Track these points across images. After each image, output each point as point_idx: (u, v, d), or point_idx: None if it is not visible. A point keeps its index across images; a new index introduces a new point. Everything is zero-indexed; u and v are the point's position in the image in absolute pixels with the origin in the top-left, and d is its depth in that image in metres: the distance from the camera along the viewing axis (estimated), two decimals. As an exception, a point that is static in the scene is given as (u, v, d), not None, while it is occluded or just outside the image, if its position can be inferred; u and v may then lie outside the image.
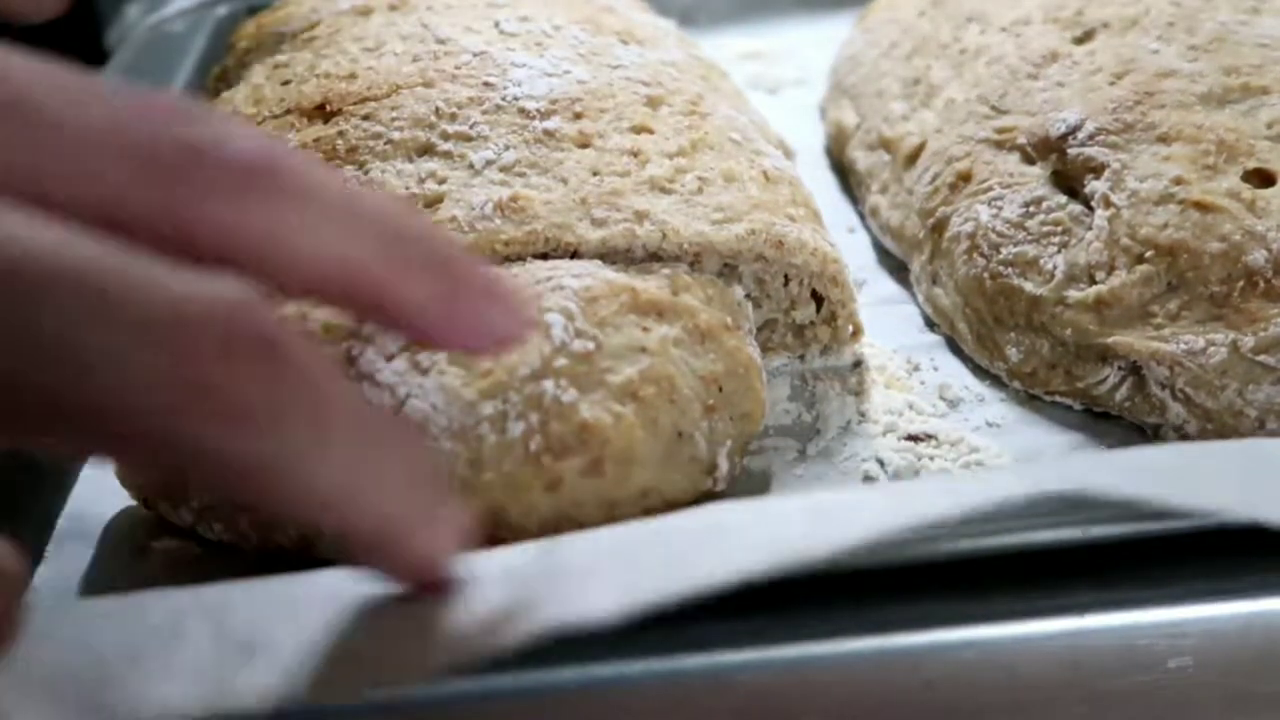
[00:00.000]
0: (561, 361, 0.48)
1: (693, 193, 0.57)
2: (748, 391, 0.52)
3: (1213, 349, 0.53)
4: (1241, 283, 0.54)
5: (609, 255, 0.55)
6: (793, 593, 0.44)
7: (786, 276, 0.58)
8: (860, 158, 0.71)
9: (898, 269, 0.66)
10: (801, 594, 0.44)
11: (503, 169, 0.57)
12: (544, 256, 0.55)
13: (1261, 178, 0.56)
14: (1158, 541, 0.45)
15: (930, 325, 0.63)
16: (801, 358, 0.60)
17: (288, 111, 0.62)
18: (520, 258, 0.54)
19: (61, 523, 0.52)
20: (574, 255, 0.55)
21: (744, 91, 0.72)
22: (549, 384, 0.48)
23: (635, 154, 0.58)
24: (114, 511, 0.53)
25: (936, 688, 0.44)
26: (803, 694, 0.43)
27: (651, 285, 0.52)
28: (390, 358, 0.49)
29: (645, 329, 0.50)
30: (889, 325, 0.62)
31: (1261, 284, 0.53)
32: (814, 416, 0.57)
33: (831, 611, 0.44)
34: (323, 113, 0.61)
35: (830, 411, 0.57)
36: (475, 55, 0.63)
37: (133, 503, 0.52)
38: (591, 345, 0.49)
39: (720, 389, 0.51)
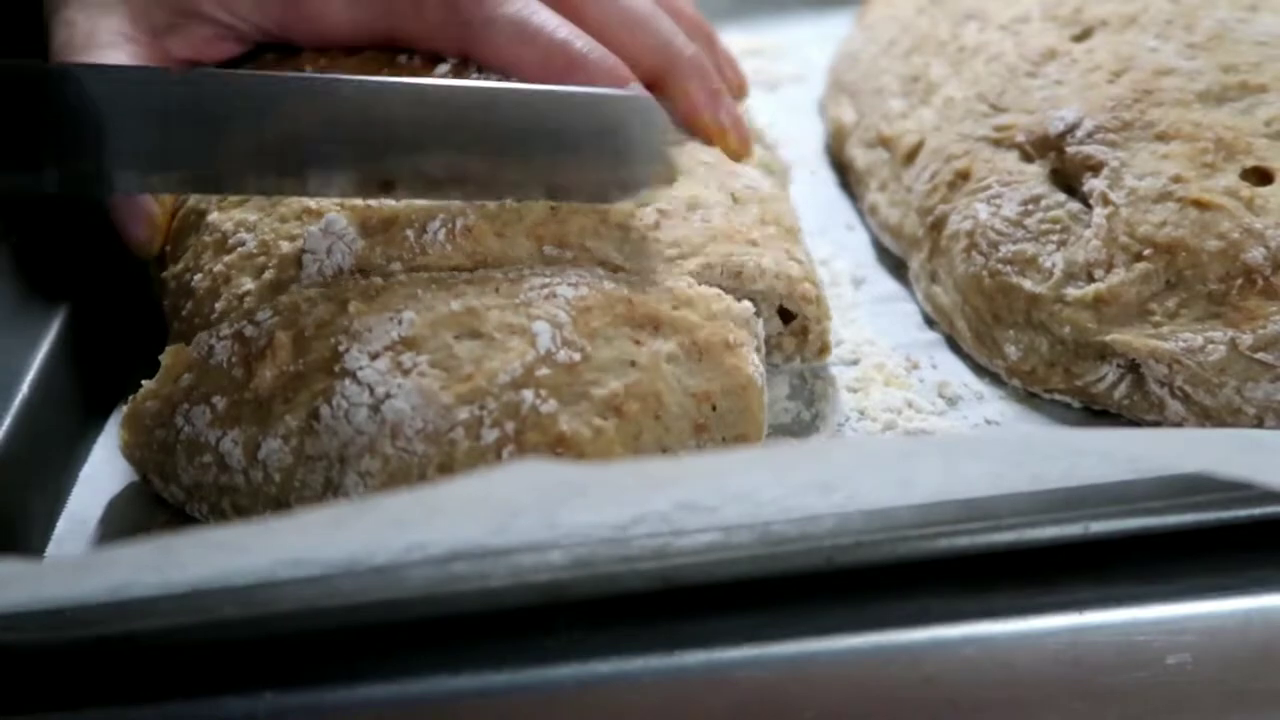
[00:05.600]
0: (544, 371, 0.48)
1: (649, 228, 0.55)
2: (744, 412, 0.51)
3: (1211, 346, 0.53)
4: (1240, 280, 0.54)
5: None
6: (791, 589, 0.44)
7: (753, 298, 0.55)
8: (859, 155, 0.71)
9: (897, 267, 0.66)
10: (800, 590, 0.44)
11: None
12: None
13: (1260, 175, 0.56)
14: (1157, 538, 0.45)
15: (929, 323, 0.63)
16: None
17: None
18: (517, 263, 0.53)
19: (61, 523, 0.52)
20: None
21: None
22: (528, 393, 0.48)
23: None
24: (112, 514, 0.53)
25: (936, 683, 0.44)
26: (802, 690, 0.43)
27: (651, 298, 0.51)
28: (375, 356, 0.49)
29: (637, 342, 0.50)
30: (888, 323, 0.62)
31: (1260, 281, 0.54)
32: (813, 415, 0.57)
33: (831, 608, 0.44)
34: None
35: (829, 410, 0.57)
36: None
37: (130, 505, 0.53)
38: (578, 356, 0.49)
39: (714, 408, 0.50)
